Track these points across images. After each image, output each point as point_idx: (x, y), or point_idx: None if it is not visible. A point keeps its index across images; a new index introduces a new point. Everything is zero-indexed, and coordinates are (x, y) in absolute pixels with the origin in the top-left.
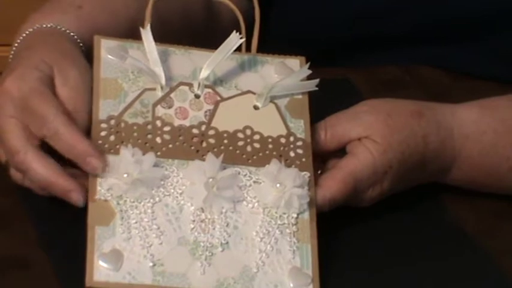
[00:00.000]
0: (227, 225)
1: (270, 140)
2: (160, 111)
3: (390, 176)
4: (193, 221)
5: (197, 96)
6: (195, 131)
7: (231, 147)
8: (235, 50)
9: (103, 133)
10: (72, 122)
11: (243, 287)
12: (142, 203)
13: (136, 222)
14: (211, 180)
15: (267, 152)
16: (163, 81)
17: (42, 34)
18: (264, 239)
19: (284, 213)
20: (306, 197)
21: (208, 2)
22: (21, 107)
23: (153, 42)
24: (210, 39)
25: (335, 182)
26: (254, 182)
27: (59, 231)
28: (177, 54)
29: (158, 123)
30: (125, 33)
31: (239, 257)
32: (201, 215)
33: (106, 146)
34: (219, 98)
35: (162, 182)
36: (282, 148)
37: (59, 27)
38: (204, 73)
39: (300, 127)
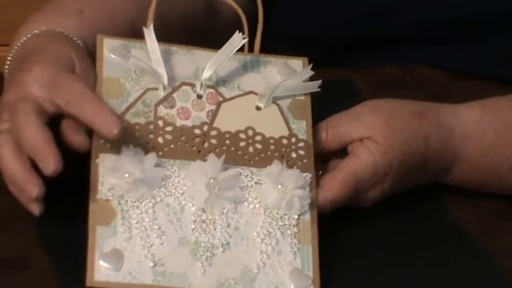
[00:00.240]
0: (228, 225)
1: (271, 140)
2: (162, 111)
3: (391, 177)
4: (195, 221)
5: (199, 97)
6: (197, 131)
7: (232, 148)
8: (238, 50)
9: None
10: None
11: (243, 287)
12: (143, 203)
13: (137, 222)
14: (212, 180)
15: (269, 153)
16: (165, 81)
17: (52, 34)
18: (265, 240)
19: (285, 214)
20: (307, 198)
21: (209, 1)
22: (48, 85)
23: (155, 42)
24: (210, 39)
25: (336, 183)
26: (255, 182)
27: (59, 231)
28: (179, 54)
29: (160, 123)
30: (125, 36)
31: (240, 258)
32: (202, 216)
33: (108, 145)
34: (221, 99)
35: (164, 182)
36: (283, 149)
37: (61, 31)
38: (206, 73)
39: (302, 128)
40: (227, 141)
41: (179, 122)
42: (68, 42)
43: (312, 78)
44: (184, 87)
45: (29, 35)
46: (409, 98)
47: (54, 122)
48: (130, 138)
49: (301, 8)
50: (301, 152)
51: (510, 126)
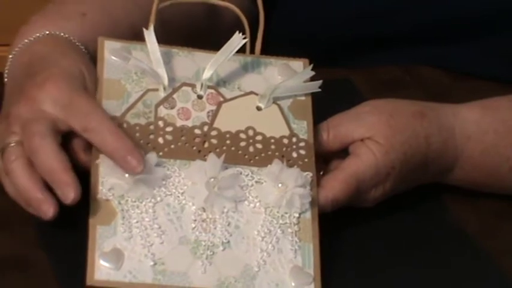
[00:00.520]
0: (228, 224)
1: (272, 140)
2: (162, 111)
3: (393, 177)
4: (195, 220)
5: (200, 97)
6: (197, 131)
7: (233, 148)
8: (238, 52)
9: None
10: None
11: (244, 286)
12: (143, 203)
13: (137, 222)
14: (212, 180)
15: (269, 152)
16: (166, 82)
17: (56, 40)
18: (266, 238)
19: (286, 213)
20: (308, 197)
21: (210, 4)
22: (62, 105)
23: (156, 44)
24: (211, 40)
25: (337, 183)
26: (256, 182)
27: (59, 231)
28: (180, 55)
29: (160, 123)
30: (127, 39)
31: (240, 256)
32: (203, 215)
33: None
34: (221, 99)
35: (164, 182)
36: (284, 149)
37: (62, 34)
38: (207, 73)
39: (302, 128)
40: (227, 141)
41: (179, 123)
42: (75, 52)
43: (312, 79)
44: (184, 87)
45: (32, 38)
46: (409, 98)
47: None
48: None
49: (301, 8)
50: (302, 152)
51: (511, 126)
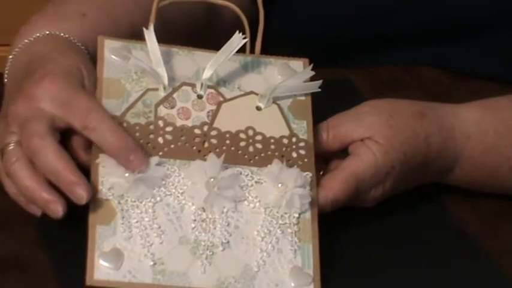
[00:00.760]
0: (228, 224)
1: (272, 140)
2: (162, 111)
3: (392, 177)
4: (194, 220)
5: (200, 97)
6: (197, 131)
7: (233, 148)
8: (239, 51)
9: None
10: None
11: (243, 286)
12: (143, 203)
13: (137, 222)
14: (212, 180)
15: (269, 152)
16: (166, 82)
17: (55, 40)
18: (265, 238)
19: (285, 213)
20: (308, 197)
21: (210, 3)
22: (61, 103)
23: (156, 43)
24: (211, 40)
25: (337, 183)
26: (256, 182)
27: (59, 231)
28: (180, 55)
29: (160, 123)
30: (127, 38)
31: (240, 256)
32: (202, 215)
33: None
34: (221, 99)
35: (164, 182)
36: (284, 149)
37: (62, 34)
38: (207, 73)
39: (302, 128)
40: (227, 141)
41: (179, 122)
42: (74, 52)
43: (312, 79)
44: (184, 87)
45: (32, 38)
46: (409, 98)
47: None
48: None
49: (301, 8)
50: (302, 152)
51: (511, 126)
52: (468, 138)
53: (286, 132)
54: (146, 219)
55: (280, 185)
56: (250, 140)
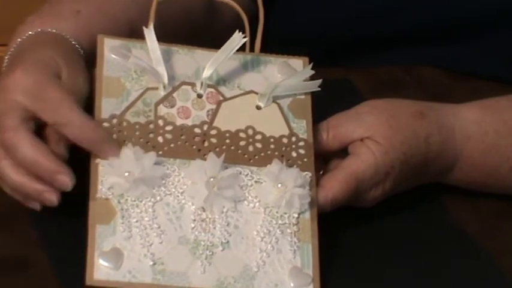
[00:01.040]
0: (228, 224)
1: (272, 140)
2: (162, 110)
3: (392, 177)
4: (194, 220)
5: (200, 96)
6: (197, 130)
7: (232, 147)
8: (238, 50)
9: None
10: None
11: (243, 286)
12: (143, 202)
13: (137, 221)
14: (212, 179)
15: (269, 152)
16: (166, 81)
17: (45, 35)
18: (265, 238)
19: (285, 213)
20: (307, 197)
21: (209, 1)
22: (32, 95)
23: (156, 42)
24: (210, 39)
25: (337, 182)
26: (255, 181)
27: (59, 231)
28: (180, 53)
29: (160, 122)
30: (125, 36)
31: (240, 256)
32: (202, 215)
33: None
34: (221, 98)
35: (163, 181)
36: (283, 148)
37: (54, 31)
38: (206, 72)
39: (302, 127)
40: (227, 141)
41: (179, 121)
42: (57, 45)
43: (312, 78)
44: (184, 86)
45: (25, 36)
46: (409, 98)
47: None
48: (130, 138)
49: (301, 8)
50: (301, 151)
51: (511, 127)
52: (468, 138)
53: (286, 132)
54: (146, 218)
55: (279, 185)
56: (250, 140)
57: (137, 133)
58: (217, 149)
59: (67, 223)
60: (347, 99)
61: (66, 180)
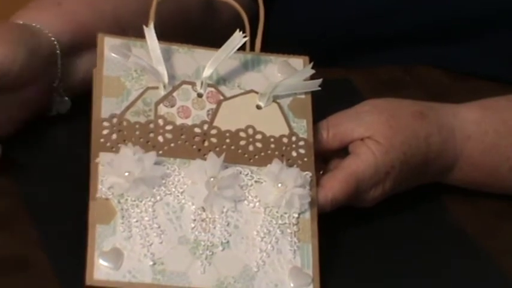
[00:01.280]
0: (228, 224)
1: (272, 139)
2: (162, 110)
3: (392, 176)
4: (194, 220)
5: (200, 95)
6: (197, 130)
7: (233, 147)
8: (238, 49)
9: (105, 131)
10: None
11: (243, 286)
12: (143, 202)
13: (137, 221)
14: (212, 179)
15: (269, 151)
16: (166, 80)
17: (13, 27)
18: (265, 238)
19: (285, 213)
20: (307, 197)
21: (207, 1)
22: None
23: (156, 41)
24: (207, 38)
25: (337, 182)
26: (255, 181)
27: (59, 231)
28: (180, 52)
29: (160, 122)
30: (109, 30)
31: (240, 256)
32: (202, 214)
33: (108, 144)
34: (221, 97)
35: (163, 181)
36: (284, 148)
37: (34, 24)
38: (207, 72)
39: (302, 127)
40: (227, 140)
41: (179, 121)
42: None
43: (312, 77)
44: (184, 86)
45: None
46: (409, 98)
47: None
48: (130, 137)
49: (301, 8)
50: (302, 151)
51: (511, 126)
52: (468, 138)
53: (286, 131)
54: (146, 218)
55: (280, 184)
56: (250, 139)
57: (137, 133)
58: (218, 149)
59: (67, 223)
60: (347, 99)
61: None
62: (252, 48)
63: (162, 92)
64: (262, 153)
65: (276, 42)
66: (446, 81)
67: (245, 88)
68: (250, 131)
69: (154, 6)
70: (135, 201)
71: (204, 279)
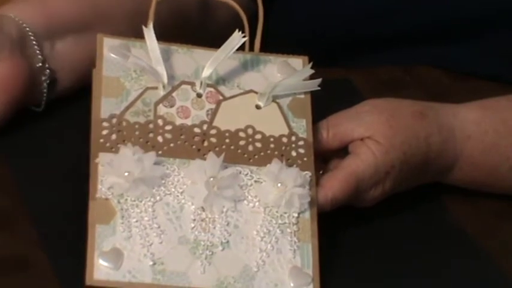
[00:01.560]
0: (228, 224)
1: (271, 139)
2: (162, 110)
3: (392, 176)
4: (194, 220)
5: (199, 95)
6: (196, 130)
7: (232, 147)
8: (238, 49)
9: (105, 132)
10: None
11: (243, 286)
12: (143, 202)
13: (136, 221)
14: (212, 179)
15: (269, 151)
16: (165, 80)
17: None
18: (265, 238)
19: (285, 213)
20: (307, 197)
21: (204, 1)
22: None
23: (155, 41)
24: (207, 38)
25: (337, 182)
26: (255, 181)
27: (59, 231)
28: (179, 52)
29: (160, 122)
30: (90, 20)
31: (239, 256)
32: (202, 214)
33: (107, 144)
34: (221, 97)
35: (163, 181)
36: (283, 148)
37: (11, 15)
38: (206, 72)
39: (302, 127)
40: (227, 140)
41: (179, 121)
42: None
43: (312, 77)
44: (184, 86)
45: None
46: (409, 98)
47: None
48: (129, 137)
49: (301, 8)
50: (301, 151)
51: (510, 127)
52: (468, 137)
53: (286, 131)
54: (146, 218)
55: (279, 184)
56: (250, 139)
57: (137, 133)
58: (217, 149)
59: (67, 223)
60: (347, 99)
61: None
62: (251, 48)
63: (161, 92)
64: (262, 153)
65: (275, 42)
66: (446, 81)
67: (244, 88)
68: (250, 131)
69: (153, 7)
70: (134, 201)
71: (204, 279)
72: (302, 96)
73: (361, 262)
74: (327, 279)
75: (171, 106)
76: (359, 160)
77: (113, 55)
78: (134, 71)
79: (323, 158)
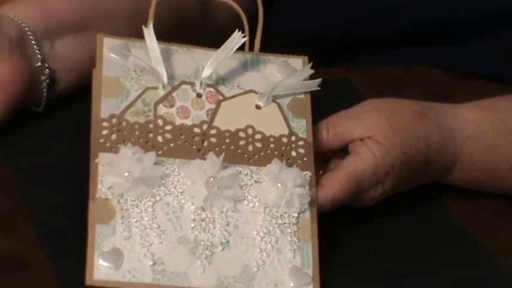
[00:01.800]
0: (228, 224)
1: (271, 139)
2: (162, 110)
3: (392, 176)
4: (194, 220)
5: (199, 95)
6: (196, 130)
7: (232, 147)
8: (238, 49)
9: (104, 132)
10: None
11: (243, 286)
12: (143, 202)
13: (136, 221)
14: (212, 179)
15: (269, 151)
16: (165, 80)
17: None
18: (265, 238)
19: (285, 213)
20: (307, 197)
21: (203, 2)
22: None
23: (155, 41)
24: (206, 38)
25: (337, 182)
26: (255, 181)
27: (59, 231)
28: (179, 52)
29: (160, 122)
30: (91, 21)
31: (239, 256)
32: (202, 214)
33: (107, 144)
34: (221, 97)
35: (163, 181)
36: (283, 148)
37: (9, 14)
38: (206, 72)
39: (301, 127)
40: (227, 140)
41: (179, 121)
42: None
43: (312, 77)
44: (184, 86)
45: None
46: (409, 98)
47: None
48: (129, 137)
49: (301, 8)
50: (301, 151)
51: (511, 126)
52: (468, 137)
53: (286, 131)
54: (146, 218)
55: (279, 184)
56: (250, 139)
57: (137, 133)
58: (217, 149)
59: (67, 223)
60: (347, 99)
61: None
62: (251, 48)
63: (161, 92)
64: (262, 153)
65: (275, 42)
66: (446, 81)
67: (244, 88)
68: (250, 131)
69: (153, 7)
70: (134, 201)
71: (204, 279)
72: (302, 96)
73: (361, 262)
74: (327, 279)
75: (171, 106)
76: (359, 160)
77: (112, 55)
78: (134, 71)
79: (323, 158)
